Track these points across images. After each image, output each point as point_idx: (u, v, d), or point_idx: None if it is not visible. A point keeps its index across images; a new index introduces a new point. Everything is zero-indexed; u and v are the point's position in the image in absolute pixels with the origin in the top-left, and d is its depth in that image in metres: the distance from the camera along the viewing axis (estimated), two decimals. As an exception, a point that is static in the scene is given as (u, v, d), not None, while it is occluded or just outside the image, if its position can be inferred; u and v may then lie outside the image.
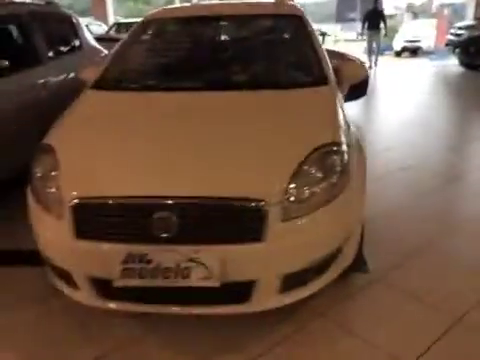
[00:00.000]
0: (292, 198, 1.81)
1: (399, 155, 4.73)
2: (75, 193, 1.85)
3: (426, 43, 14.91)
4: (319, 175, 1.91)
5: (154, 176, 1.86)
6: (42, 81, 3.79)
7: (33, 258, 2.54)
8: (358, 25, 22.70)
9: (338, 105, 2.38)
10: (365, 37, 12.14)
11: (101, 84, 2.72)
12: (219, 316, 2.05)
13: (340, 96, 2.58)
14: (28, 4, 4.11)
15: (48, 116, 3.70)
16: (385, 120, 6.67)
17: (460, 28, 10.27)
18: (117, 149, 2.05)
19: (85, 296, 1.93)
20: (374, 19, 11.74)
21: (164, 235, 1.74)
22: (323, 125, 2.19)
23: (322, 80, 2.61)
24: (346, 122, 2.29)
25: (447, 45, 10.94)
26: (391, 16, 19.73)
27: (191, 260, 1.73)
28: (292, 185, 1.83)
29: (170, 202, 1.76)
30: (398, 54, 15.68)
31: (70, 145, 2.12)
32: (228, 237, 1.76)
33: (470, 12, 11.75)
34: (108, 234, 1.80)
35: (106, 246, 1.79)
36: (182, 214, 1.74)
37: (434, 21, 14.32)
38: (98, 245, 1.80)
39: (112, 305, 1.91)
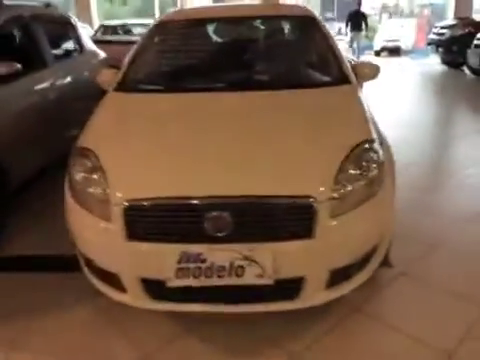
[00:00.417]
0: (338, 195, 1.86)
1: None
2: (126, 195, 1.86)
3: (405, 42, 15.29)
4: (360, 172, 1.97)
5: (205, 176, 1.89)
6: (49, 84, 3.76)
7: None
8: (336, 24, 23.17)
9: (364, 103, 2.46)
10: (347, 37, 12.38)
11: (125, 86, 2.73)
12: (258, 313, 2.08)
13: (363, 94, 2.66)
14: (31, 6, 4.06)
15: (55, 119, 3.74)
16: (381, 118, 6.79)
17: (443, 27, 10.54)
18: (160, 149, 2.07)
19: (133, 298, 1.94)
20: (356, 20, 12.02)
21: (218, 234, 1.77)
22: (356, 123, 2.26)
23: (344, 79, 2.69)
24: (373, 120, 2.37)
25: (429, 44, 11.23)
26: (369, 16, 20.11)
27: (245, 258, 1.77)
28: (338, 182, 1.88)
29: (224, 201, 1.79)
30: (377, 53, 16.02)
31: (109, 147, 2.12)
32: (280, 234, 1.80)
33: (450, 12, 12.08)
34: (161, 235, 1.81)
35: (159, 247, 1.81)
36: (235, 213, 1.77)
37: (413, 21, 14.67)
38: (151, 246, 1.82)
39: (163, 306, 1.93)
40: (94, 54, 4.99)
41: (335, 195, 1.85)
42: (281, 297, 1.90)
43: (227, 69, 2.89)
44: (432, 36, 10.94)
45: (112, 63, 4.97)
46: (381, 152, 2.10)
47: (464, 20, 10.25)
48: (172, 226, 1.82)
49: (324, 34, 3.09)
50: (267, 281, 1.79)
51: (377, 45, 16.25)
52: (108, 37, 9.87)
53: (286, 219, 1.81)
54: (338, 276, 1.93)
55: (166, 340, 2.07)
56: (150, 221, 1.83)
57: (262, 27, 3.40)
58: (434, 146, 5.27)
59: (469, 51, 8.93)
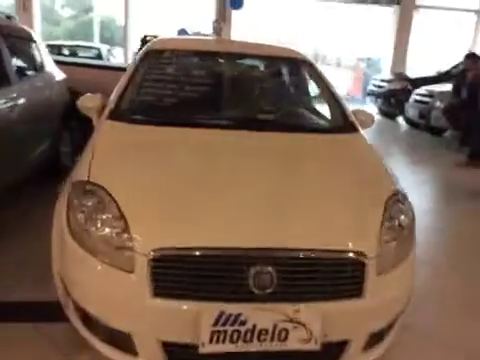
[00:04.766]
0: (382, 251, 1.75)
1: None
2: (154, 243, 1.59)
3: (341, 91, 16.18)
4: (397, 227, 1.88)
5: (247, 224, 1.68)
6: (12, 103, 3.35)
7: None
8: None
9: (379, 154, 2.42)
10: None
11: (121, 116, 2.45)
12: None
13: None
14: (-5, 17, 3.67)
15: (17, 139, 3.32)
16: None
17: (382, 81, 11.27)
18: (187, 191, 1.82)
19: None
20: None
21: (261, 292, 1.57)
22: (380, 174, 2.19)
23: (352, 127, 2.64)
24: (392, 171, 2.32)
25: (368, 94, 11.90)
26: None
27: (290, 320, 1.57)
28: (381, 237, 1.77)
29: (271, 255, 1.59)
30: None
31: (125, 184, 1.84)
32: (328, 293, 1.63)
33: (385, 66, 13.00)
34: (194, 291, 1.57)
35: (193, 305, 1.56)
36: (282, 268, 1.58)
37: (349, 71, 15.65)
38: (182, 304, 1.56)
39: None
40: (54, 74, 4.60)
41: (380, 251, 1.73)
42: None
43: (229, 106, 2.74)
44: (372, 87, 11.62)
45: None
46: (410, 206, 2.03)
47: (400, 75, 11.05)
48: (209, 281, 1.58)
49: (323, 79, 3.06)
50: (313, 347, 1.60)
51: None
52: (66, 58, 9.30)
53: (335, 276, 1.65)
54: (374, 338, 1.79)
55: None
56: (182, 275, 1.58)
57: (260, 65, 3.32)
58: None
59: (407, 104, 9.57)
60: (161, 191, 1.82)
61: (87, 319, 1.76)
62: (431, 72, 10.78)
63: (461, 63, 9.98)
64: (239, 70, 3.24)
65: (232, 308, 1.55)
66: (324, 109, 2.99)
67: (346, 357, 1.72)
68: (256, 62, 3.31)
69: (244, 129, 2.42)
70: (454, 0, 12.77)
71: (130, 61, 11.76)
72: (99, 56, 9.79)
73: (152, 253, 1.57)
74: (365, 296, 1.66)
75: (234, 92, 2.91)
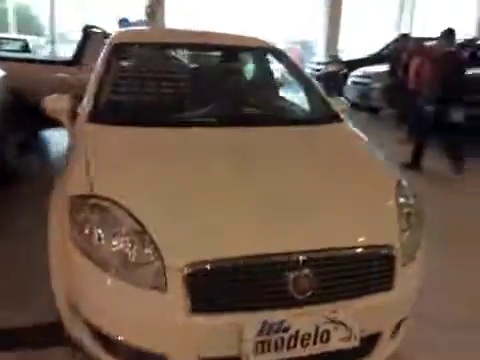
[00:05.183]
0: (403, 242, 1.78)
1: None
2: (187, 257, 1.50)
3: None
4: (409, 215, 1.91)
5: (276, 228, 1.63)
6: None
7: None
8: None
9: (369, 142, 2.45)
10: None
11: (102, 118, 2.27)
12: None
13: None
14: None
15: None
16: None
17: (319, 63, 11.52)
18: (202, 197, 1.73)
19: None
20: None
21: (300, 296, 1.54)
22: (380, 164, 2.22)
23: (336, 117, 2.64)
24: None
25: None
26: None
27: (331, 321, 1.56)
28: (400, 228, 1.80)
29: (309, 257, 1.56)
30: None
31: (138, 195, 1.71)
32: (362, 289, 1.64)
33: (319, 49, 13.30)
34: (235, 303, 1.50)
35: (235, 318, 1.49)
36: (320, 269, 1.56)
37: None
38: (223, 318, 1.49)
39: None
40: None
41: (402, 242, 1.76)
42: (358, 356, 1.72)
43: (213, 101, 2.63)
44: (309, 70, 11.85)
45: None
46: (412, 191, 2.08)
47: (336, 57, 11.37)
48: (248, 291, 1.52)
49: (297, 67, 3.04)
50: (353, 343, 1.60)
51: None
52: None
53: (368, 272, 1.66)
54: (397, 327, 1.84)
55: None
56: (220, 287, 1.50)
57: (234, 56, 3.22)
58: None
59: (346, 87, 9.90)
60: (176, 199, 1.71)
61: (109, 343, 1.63)
62: (362, 54, 11.19)
63: (392, 44, 10.54)
64: (214, 62, 3.13)
65: (275, 316, 1.51)
66: (302, 99, 2.98)
67: (378, 348, 1.75)
68: (230, 53, 3.20)
69: (236, 125, 2.35)
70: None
71: (64, 54, 10.97)
72: (26, 49, 9.07)
73: (187, 268, 1.48)
74: (395, 288, 1.68)
75: (215, 86, 2.81)
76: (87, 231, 1.64)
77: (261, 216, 1.68)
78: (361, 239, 1.69)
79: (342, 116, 2.68)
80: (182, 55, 3.08)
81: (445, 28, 6.08)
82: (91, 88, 2.52)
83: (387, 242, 1.70)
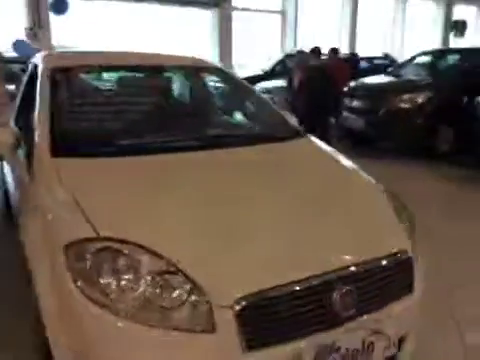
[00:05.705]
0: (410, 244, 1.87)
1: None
2: (235, 292, 1.40)
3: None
4: (406, 220, 2.01)
5: (308, 251, 1.62)
6: None
7: None
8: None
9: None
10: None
11: (67, 150, 2.01)
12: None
13: None
14: None
15: None
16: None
17: (218, 81, 11.72)
18: (220, 228, 1.63)
19: None
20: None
21: (345, 313, 1.53)
22: (359, 173, 2.29)
23: (297, 132, 2.66)
24: None
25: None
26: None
27: (374, 332, 1.58)
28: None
29: (343, 274, 1.57)
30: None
31: (150, 233, 1.55)
32: (391, 296, 1.68)
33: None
34: (287, 332, 1.44)
35: (290, 347, 1.43)
36: (355, 285, 1.57)
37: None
38: (279, 349, 1.42)
39: None
40: None
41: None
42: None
43: (178, 125, 2.52)
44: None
45: None
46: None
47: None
48: (297, 318, 1.47)
49: (246, 86, 3.06)
50: (393, 351, 1.64)
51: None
52: None
53: (393, 279, 1.71)
54: None
55: None
56: (271, 319, 1.43)
57: (181, 78, 3.12)
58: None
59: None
60: (196, 231, 1.60)
61: None
62: (257, 71, 11.65)
63: (284, 60, 11.19)
64: (164, 84, 3.00)
65: (326, 338, 1.49)
66: (260, 116, 2.98)
67: (406, 347, 1.80)
68: (175, 74, 3.10)
69: (210, 148, 2.26)
70: (263, 3, 14.00)
71: None
72: None
73: (237, 303, 1.38)
74: (415, 290, 1.76)
75: (173, 108, 2.71)
76: (99, 280, 1.45)
77: (287, 240, 1.64)
78: (384, 248, 1.74)
79: (301, 131, 2.73)
80: (132, 79, 2.89)
81: (313, 46, 7.19)
82: (39, 119, 2.20)
83: (404, 247, 1.78)
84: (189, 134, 2.47)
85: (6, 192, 3.74)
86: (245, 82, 3.16)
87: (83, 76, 2.77)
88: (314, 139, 2.68)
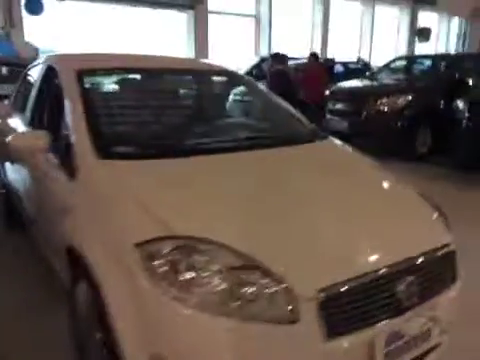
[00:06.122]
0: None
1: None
2: (317, 284, 1.48)
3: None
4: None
5: (377, 242, 1.74)
6: None
7: None
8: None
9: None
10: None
11: (115, 153, 2.04)
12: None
13: None
14: None
15: None
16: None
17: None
18: (292, 222, 1.72)
19: None
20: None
21: (407, 302, 1.64)
22: (386, 171, 2.41)
23: (320, 133, 2.78)
24: None
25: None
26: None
27: (430, 319, 1.71)
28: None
29: (409, 265, 1.68)
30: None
31: (221, 229, 1.62)
32: (442, 285, 1.81)
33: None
34: (362, 320, 1.54)
35: (366, 334, 1.53)
36: (417, 275, 1.69)
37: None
38: (356, 337, 1.51)
39: None
40: None
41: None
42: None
43: (210, 127, 2.59)
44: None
45: None
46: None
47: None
48: (370, 306, 1.56)
49: (260, 89, 3.16)
50: (444, 337, 1.77)
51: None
52: None
53: (443, 269, 1.84)
54: None
55: None
56: (350, 308, 1.52)
57: (206, 82, 3.18)
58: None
59: (228, 103, 10.33)
60: (265, 225, 1.67)
61: None
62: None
63: (260, 63, 11.35)
64: (194, 88, 3.06)
65: (393, 326, 1.59)
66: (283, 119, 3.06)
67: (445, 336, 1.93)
68: (200, 78, 3.16)
69: (251, 149, 2.32)
70: (237, 6, 14.14)
71: None
72: None
73: (320, 294, 1.47)
74: (458, 280, 1.90)
75: (209, 111, 2.78)
76: (181, 278, 1.49)
77: (355, 234, 1.75)
78: (436, 241, 1.87)
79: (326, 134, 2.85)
80: (161, 83, 2.94)
81: (275, 51, 7.91)
82: (75, 123, 2.20)
83: (449, 240, 1.91)
84: (235, 136, 2.57)
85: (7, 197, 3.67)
86: (265, 88, 3.25)
87: (110, 79, 2.78)
88: (336, 140, 2.80)
